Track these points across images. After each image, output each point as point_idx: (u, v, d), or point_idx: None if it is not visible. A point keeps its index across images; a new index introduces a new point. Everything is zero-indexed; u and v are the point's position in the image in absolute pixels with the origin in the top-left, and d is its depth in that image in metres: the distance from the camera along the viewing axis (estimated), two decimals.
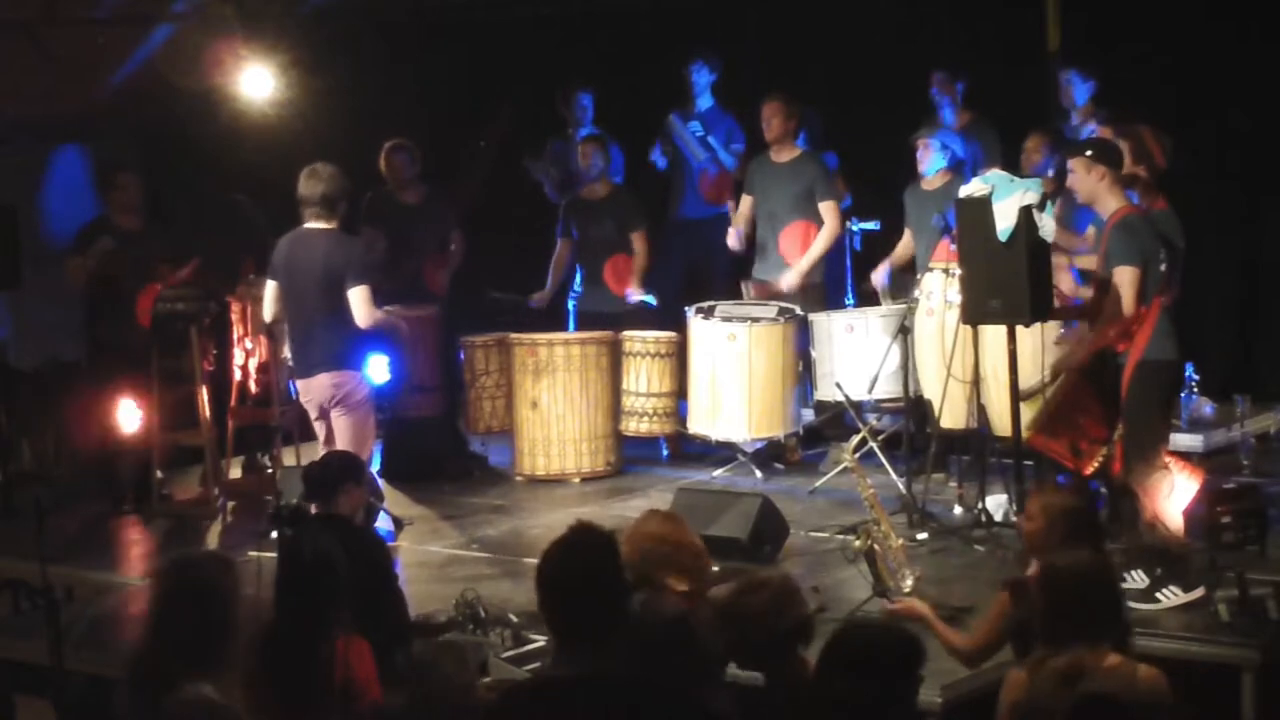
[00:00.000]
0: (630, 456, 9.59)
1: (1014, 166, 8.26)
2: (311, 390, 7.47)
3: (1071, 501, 5.40)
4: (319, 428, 7.55)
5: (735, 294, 9.71)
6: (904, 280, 8.98)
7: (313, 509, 6.49)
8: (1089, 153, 6.83)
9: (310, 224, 7.49)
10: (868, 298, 9.28)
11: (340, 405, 7.39)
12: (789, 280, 9.28)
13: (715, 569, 6.60)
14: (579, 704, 3.91)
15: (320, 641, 4.91)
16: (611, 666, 3.99)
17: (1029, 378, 7.35)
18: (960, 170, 8.87)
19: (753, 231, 9.58)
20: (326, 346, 7.41)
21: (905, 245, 8.97)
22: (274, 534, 5.94)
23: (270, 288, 7.67)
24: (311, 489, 6.13)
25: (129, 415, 8.93)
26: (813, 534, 7.84)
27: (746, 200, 9.61)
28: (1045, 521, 5.24)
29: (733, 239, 9.62)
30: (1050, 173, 8.21)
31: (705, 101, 10.30)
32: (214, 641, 4.49)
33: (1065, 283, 7.73)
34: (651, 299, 9.62)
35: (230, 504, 8.83)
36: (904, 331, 8.21)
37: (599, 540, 4.17)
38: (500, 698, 4.31)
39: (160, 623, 4.55)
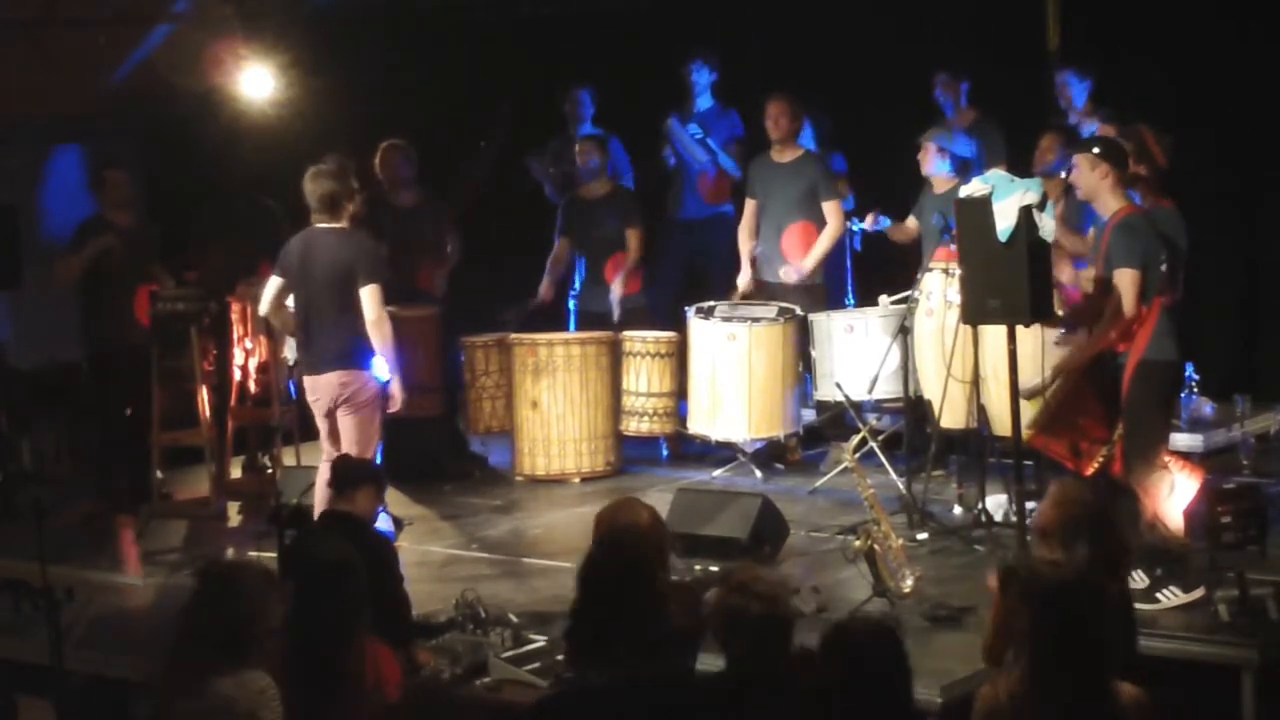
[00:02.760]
0: (630, 456, 9.59)
1: (1018, 166, 8.25)
2: (319, 388, 7.44)
3: (1087, 496, 5.22)
4: (323, 426, 7.53)
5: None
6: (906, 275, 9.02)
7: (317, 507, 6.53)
8: (1096, 150, 6.81)
9: (319, 224, 7.47)
10: (868, 297, 9.30)
11: (348, 404, 7.37)
12: (789, 273, 9.28)
13: (715, 569, 6.62)
14: (627, 708, 3.92)
15: (348, 646, 4.88)
16: (653, 670, 4.03)
17: (1029, 378, 7.34)
18: (967, 172, 8.89)
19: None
20: (336, 345, 7.39)
21: (908, 228, 9.05)
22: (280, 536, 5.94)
23: (274, 283, 7.64)
24: (337, 481, 6.16)
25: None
26: (813, 534, 7.84)
27: (750, 204, 9.61)
28: (1049, 503, 5.17)
29: (741, 281, 9.58)
30: (1064, 173, 8.21)
31: (705, 102, 10.30)
32: (242, 643, 4.56)
33: (1066, 273, 7.73)
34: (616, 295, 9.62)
35: (230, 504, 8.83)
36: (904, 331, 8.21)
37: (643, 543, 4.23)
38: (540, 704, 4.27)
39: (194, 624, 4.63)
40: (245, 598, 4.60)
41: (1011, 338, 7.20)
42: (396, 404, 7.57)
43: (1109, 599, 4.52)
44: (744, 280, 9.55)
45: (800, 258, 9.35)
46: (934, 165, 8.80)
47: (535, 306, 9.83)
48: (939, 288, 8.28)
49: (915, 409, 8.40)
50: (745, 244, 9.58)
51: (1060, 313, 7.47)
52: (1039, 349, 7.38)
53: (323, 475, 7.23)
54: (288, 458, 8.90)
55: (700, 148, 10.18)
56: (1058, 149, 8.40)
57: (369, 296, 7.37)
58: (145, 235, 9.24)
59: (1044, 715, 4.21)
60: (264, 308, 7.76)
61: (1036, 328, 7.30)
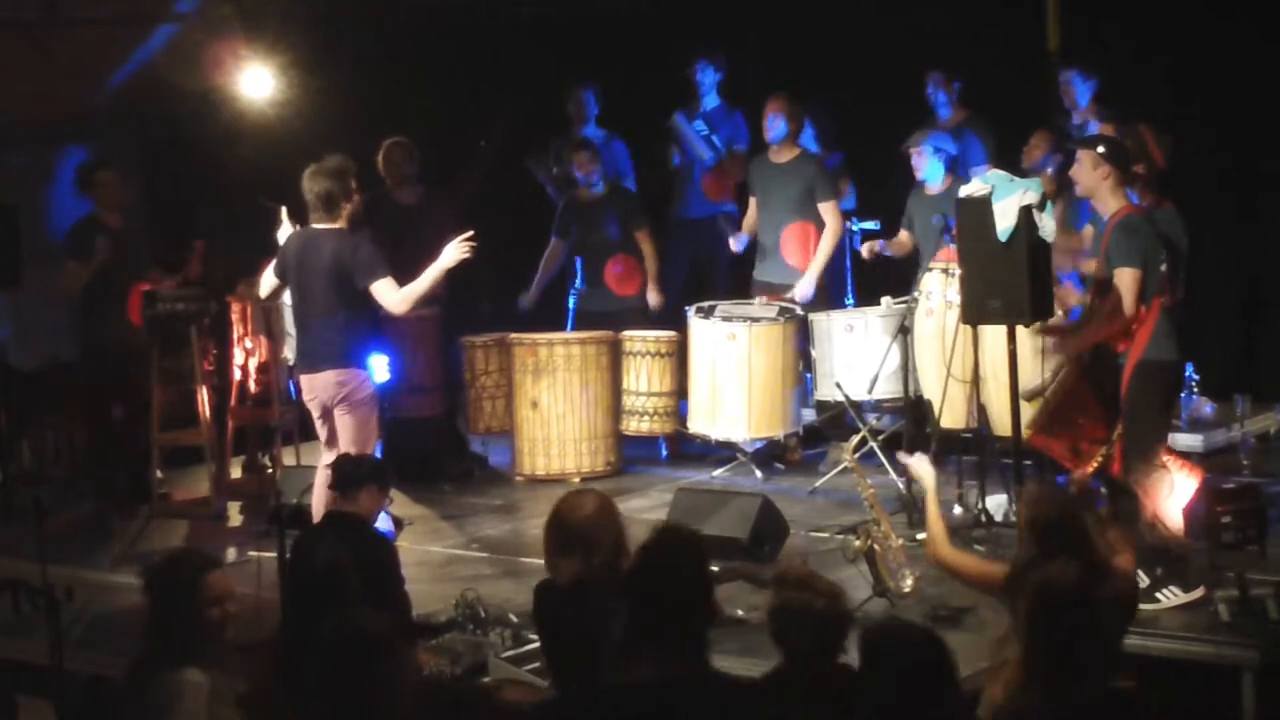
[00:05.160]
0: (630, 456, 9.59)
1: (1012, 164, 8.26)
2: (316, 387, 7.41)
3: (1043, 495, 5.32)
4: (321, 426, 7.51)
5: (738, 293, 9.72)
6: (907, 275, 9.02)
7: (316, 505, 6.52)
8: (1100, 149, 6.80)
9: (316, 224, 7.45)
10: (868, 297, 9.31)
11: (344, 403, 7.34)
12: (803, 291, 9.27)
13: (715, 568, 6.61)
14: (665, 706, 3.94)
15: None
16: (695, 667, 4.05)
17: (1030, 378, 7.34)
18: (959, 169, 8.89)
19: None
20: (333, 344, 7.36)
21: (902, 241, 9.04)
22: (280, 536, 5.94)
23: (269, 279, 7.63)
24: (339, 480, 6.15)
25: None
26: (813, 534, 7.84)
27: (753, 202, 9.62)
28: (1021, 510, 5.24)
29: (734, 244, 9.64)
30: (1050, 170, 8.21)
31: (711, 101, 10.32)
32: (196, 635, 4.64)
33: (1071, 297, 7.72)
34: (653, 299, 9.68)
35: (230, 504, 8.83)
36: (904, 331, 8.21)
37: (687, 540, 4.27)
38: (575, 702, 4.26)
39: (147, 619, 4.73)
40: (174, 588, 4.68)
41: (1011, 338, 7.21)
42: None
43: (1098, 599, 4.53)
44: (737, 241, 9.59)
45: (799, 257, 9.36)
46: (930, 169, 8.79)
47: (524, 307, 9.83)
48: (939, 288, 8.29)
49: (915, 409, 8.40)
50: (749, 225, 9.62)
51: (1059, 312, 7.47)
52: (1039, 349, 7.38)
53: (321, 480, 7.22)
54: (288, 458, 8.90)
55: (705, 144, 10.20)
56: (1046, 146, 8.40)
57: (382, 291, 7.32)
58: (137, 235, 9.24)
59: (1038, 709, 4.22)
60: (263, 291, 7.78)
61: (1036, 327, 7.30)
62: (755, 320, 9.03)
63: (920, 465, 6.06)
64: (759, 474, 9.06)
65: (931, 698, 3.97)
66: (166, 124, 10.92)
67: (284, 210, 7.77)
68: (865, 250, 9.17)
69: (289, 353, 8.50)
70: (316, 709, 4.32)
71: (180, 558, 4.97)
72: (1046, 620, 4.28)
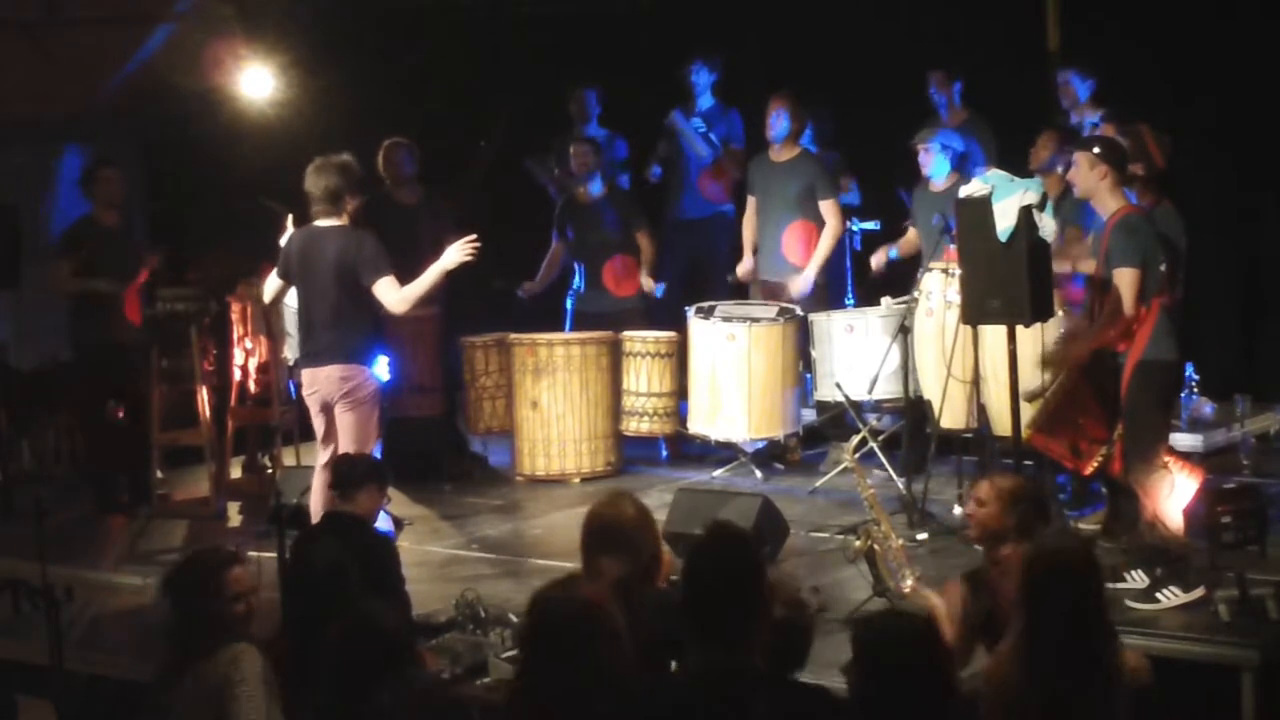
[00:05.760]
0: (630, 456, 9.59)
1: (1013, 165, 8.27)
2: (318, 381, 7.37)
3: (1022, 485, 5.37)
4: (318, 423, 7.47)
5: (736, 293, 9.72)
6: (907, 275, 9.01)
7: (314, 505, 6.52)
8: (1096, 150, 6.79)
9: (320, 221, 7.44)
10: (868, 297, 9.31)
11: (347, 399, 7.31)
12: (799, 286, 9.28)
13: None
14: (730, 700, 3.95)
15: None
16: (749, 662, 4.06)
17: (1030, 379, 7.34)
18: (964, 167, 8.89)
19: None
20: (338, 340, 7.33)
21: (911, 239, 9.02)
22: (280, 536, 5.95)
23: (274, 282, 7.62)
24: (337, 480, 6.14)
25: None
26: (813, 534, 7.84)
27: (751, 202, 9.63)
28: (999, 506, 5.25)
29: (742, 270, 9.64)
30: (1059, 169, 8.22)
31: (706, 101, 10.33)
32: (222, 630, 4.74)
33: (1070, 292, 7.73)
34: (659, 288, 9.67)
35: (230, 504, 8.84)
36: (904, 331, 8.21)
37: (741, 540, 4.32)
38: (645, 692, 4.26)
39: (172, 618, 4.84)
40: (198, 585, 4.78)
41: (1011, 338, 7.21)
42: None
43: None
44: (744, 268, 9.58)
45: (800, 256, 9.36)
46: (936, 166, 8.78)
47: (523, 295, 9.84)
48: (939, 288, 8.28)
49: (915, 409, 8.40)
50: (748, 235, 9.61)
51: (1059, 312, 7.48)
52: (1039, 349, 7.38)
53: (319, 479, 7.22)
54: (288, 458, 8.90)
55: (703, 142, 10.20)
56: (1052, 146, 8.40)
57: (384, 290, 7.31)
58: (132, 235, 9.24)
59: (1041, 684, 4.24)
60: (267, 296, 7.78)
61: (1037, 328, 7.30)
62: (755, 320, 9.03)
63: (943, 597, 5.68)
64: (759, 474, 9.06)
65: (924, 687, 3.98)
66: (166, 124, 10.93)
67: (290, 217, 7.76)
68: (875, 263, 9.14)
69: (289, 353, 8.50)
70: (323, 703, 4.34)
71: (201, 555, 5.00)
72: (1049, 589, 4.31)
